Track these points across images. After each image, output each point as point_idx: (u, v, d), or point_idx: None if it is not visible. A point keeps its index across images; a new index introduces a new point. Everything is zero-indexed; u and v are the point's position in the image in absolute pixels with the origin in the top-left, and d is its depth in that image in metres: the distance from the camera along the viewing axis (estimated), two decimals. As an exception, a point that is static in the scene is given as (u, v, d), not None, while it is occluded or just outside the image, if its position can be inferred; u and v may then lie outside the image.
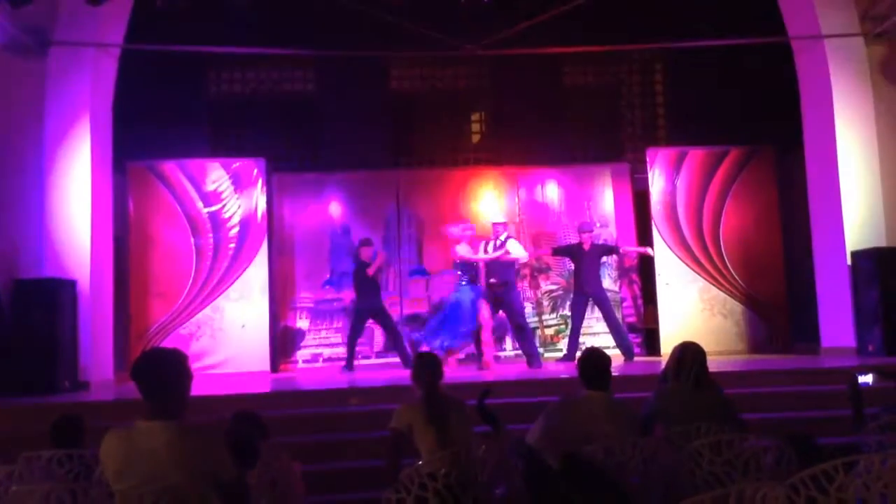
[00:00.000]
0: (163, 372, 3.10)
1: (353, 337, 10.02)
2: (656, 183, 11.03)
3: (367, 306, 9.94)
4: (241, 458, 4.23)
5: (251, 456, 4.28)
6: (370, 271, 9.88)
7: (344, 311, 10.81)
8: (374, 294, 10.01)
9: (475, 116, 12.88)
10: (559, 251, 10.44)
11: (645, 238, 11.00)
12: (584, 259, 9.95)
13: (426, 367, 4.31)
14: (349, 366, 9.83)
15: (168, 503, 2.95)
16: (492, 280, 9.52)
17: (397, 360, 10.23)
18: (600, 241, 10.53)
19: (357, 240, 10.70)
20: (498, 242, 9.65)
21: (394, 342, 10.06)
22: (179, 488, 2.97)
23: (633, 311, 11.20)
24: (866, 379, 5.20)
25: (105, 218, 9.37)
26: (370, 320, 10.19)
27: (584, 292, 9.95)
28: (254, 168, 10.74)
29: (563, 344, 10.57)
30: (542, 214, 11.32)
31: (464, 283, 9.54)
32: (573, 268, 10.31)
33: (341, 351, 10.57)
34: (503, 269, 9.59)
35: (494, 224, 9.85)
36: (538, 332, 10.98)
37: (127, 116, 9.85)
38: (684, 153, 11.18)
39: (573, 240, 10.61)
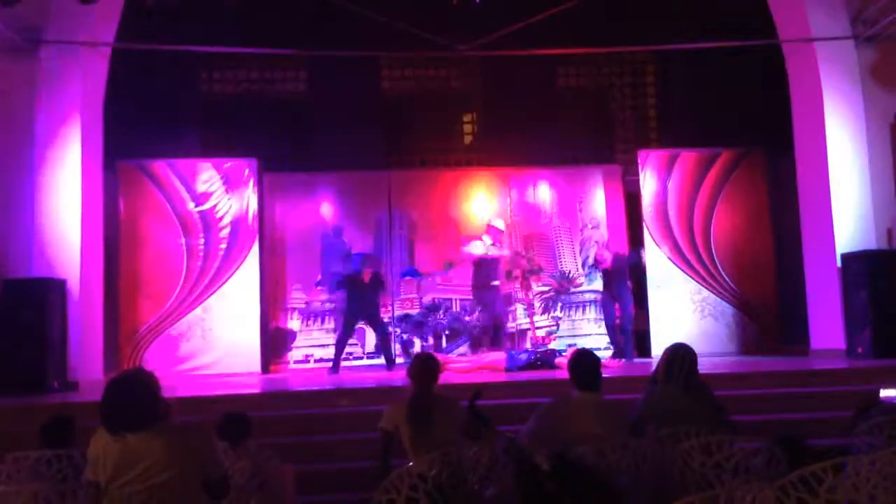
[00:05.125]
0: (135, 400, 3.11)
1: (343, 340, 9.97)
2: (647, 185, 11.05)
3: (358, 312, 9.92)
4: (233, 432, 4.25)
5: (243, 430, 4.30)
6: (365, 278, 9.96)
7: (335, 312, 10.78)
8: (371, 301, 9.96)
9: (467, 117, 12.89)
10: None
11: (636, 240, 11.02)
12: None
13: (423, 368, 4.36)
14: (335, 368, 9.78)
15: (158, 501, 2.97)
16: (495, 282, 10.01)
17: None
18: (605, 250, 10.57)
19: (349, 240, 10.79)
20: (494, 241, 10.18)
21: (383, 345, 10.03)
22: (169, 486, 2.98)
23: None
24: (891, 393, 5.19)
25: (95, 217, 9.33)
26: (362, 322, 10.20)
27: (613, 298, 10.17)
28: (245, 168, 10.71)
29: (555, 345, 10.58)
30: (533, 215, 11.33)
31: None
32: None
33: (332, 352, 10.55)
34: (494, 273, 9.92)
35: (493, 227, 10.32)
36: (529, 333, 10.98)
37: (118, 116, 9.81)
38: (675, 155, 11.21)
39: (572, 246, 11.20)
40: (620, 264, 10.11)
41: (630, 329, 10.01)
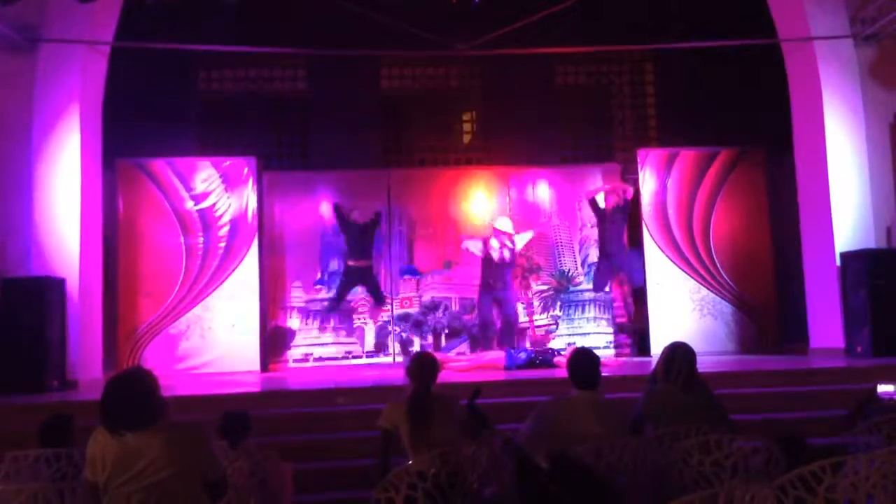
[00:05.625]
0: (136, 398, 3.12)
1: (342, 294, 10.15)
2: (647, 184, 11.05)
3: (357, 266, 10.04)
4: (233, 431, 4.26)
5: (242, 429, 4.30)
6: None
7: (334, 311, 10.79)
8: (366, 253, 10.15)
9: (466, 116, 12.88)
10: None
11: (635, 238, 11.02)
12: None
13: (420, 367, 4.37)
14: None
15: (157, 499, 2.97)
16: (490, 281, 10.07)
17: (386, 360, 10.33)
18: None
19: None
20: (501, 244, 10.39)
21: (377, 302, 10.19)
22: (167, 484, 2.99)
23: (624, 312, 11.21)
24: (888, 388, 5.19)
25: (94, 216, 9.34)
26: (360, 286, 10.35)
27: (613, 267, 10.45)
28: (244, 167, 10.71)
29: (554, 343, 10.59)
30: (533, 214, 11.32)
31: None
32: None
33: (333, 350, 10.61)
34: (503, 271, 10.31)
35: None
36: (528, 332, 10.99)
37: (117, 114, 9.81)
38: (675, 154, 11.21)
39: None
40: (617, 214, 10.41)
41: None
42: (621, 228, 10.68)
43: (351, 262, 10.61)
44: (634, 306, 11.11)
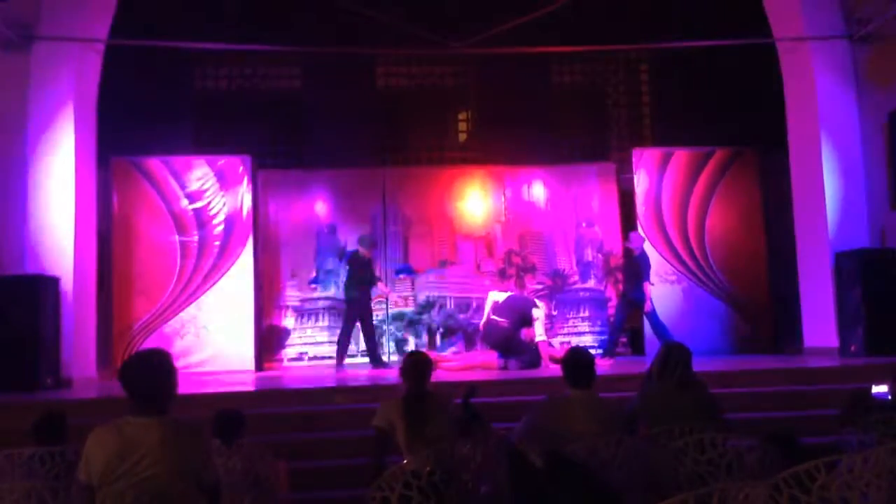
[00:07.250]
0: (153, 374, 3.16)
1: (346, 335, 9.90)
2: (641, 183, 11.06)
3: (362, 305, 9.85)
4: (227, 430, 4.26)
5: (236, 427, 4.30)
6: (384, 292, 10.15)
7: (329, 310, 10.78)
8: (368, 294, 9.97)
9: (462, 115, 12.88)
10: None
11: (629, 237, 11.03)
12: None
13: (414, 365, 4.37)
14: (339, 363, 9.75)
15: (150, 499, 2.96)
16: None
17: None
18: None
19: (343, 238, 10.80)
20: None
21: (369, 343, 9.97)
22: (160, 481, 2.99)
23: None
24: (881, 389, 5.21)
25: (88, 214, 9.32)
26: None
27: (629, 299, 9.89)
28: (239, 165, 10.68)
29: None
30: (527, 214, 11.33)
31: None
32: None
33: (327, 350, 10.55)
34: None
35: None
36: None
37: (111, 112, 9.78)
38: (669, 154, 11.22)
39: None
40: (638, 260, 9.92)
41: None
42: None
43: None
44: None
